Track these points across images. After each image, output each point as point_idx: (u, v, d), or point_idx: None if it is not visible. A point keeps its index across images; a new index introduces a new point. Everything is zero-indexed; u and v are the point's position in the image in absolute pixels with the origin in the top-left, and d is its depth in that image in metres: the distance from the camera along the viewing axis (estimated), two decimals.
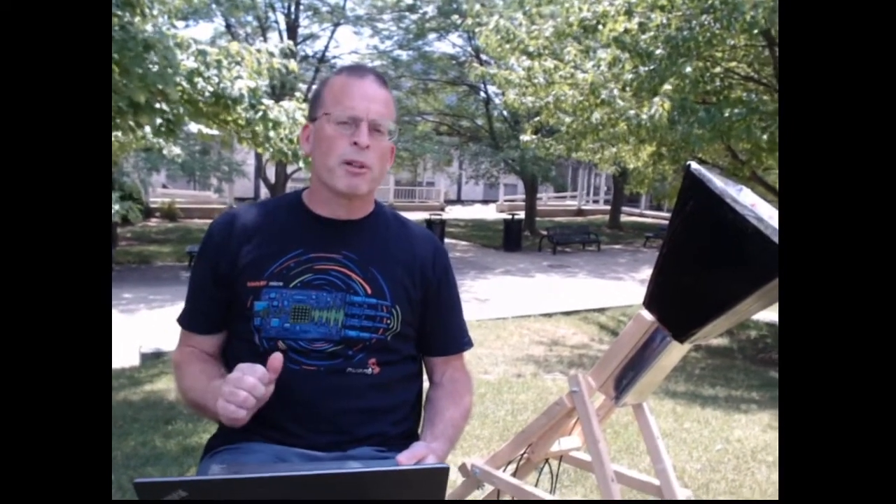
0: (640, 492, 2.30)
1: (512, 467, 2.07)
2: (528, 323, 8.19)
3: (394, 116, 1.29)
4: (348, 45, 46.85)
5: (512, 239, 16.82)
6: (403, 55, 19.97)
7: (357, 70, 1.28)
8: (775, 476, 3.36)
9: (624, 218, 23.12)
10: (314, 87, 1.41)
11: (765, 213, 1.61)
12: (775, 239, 1.53)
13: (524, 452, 2.02)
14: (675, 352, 1.82)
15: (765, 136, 5.38)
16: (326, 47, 19.59)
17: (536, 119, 8.25)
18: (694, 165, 1.70)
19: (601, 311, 9.28)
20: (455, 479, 2.21)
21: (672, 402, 4.80)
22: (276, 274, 1.25)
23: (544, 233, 17.72)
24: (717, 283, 1.66)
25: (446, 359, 1.40)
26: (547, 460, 2.11)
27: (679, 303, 1.76)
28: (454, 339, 1.41)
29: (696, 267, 1.71)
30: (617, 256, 16.35)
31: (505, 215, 18.73)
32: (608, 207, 24.23)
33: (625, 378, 1.85)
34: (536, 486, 2.10)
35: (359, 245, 1.29)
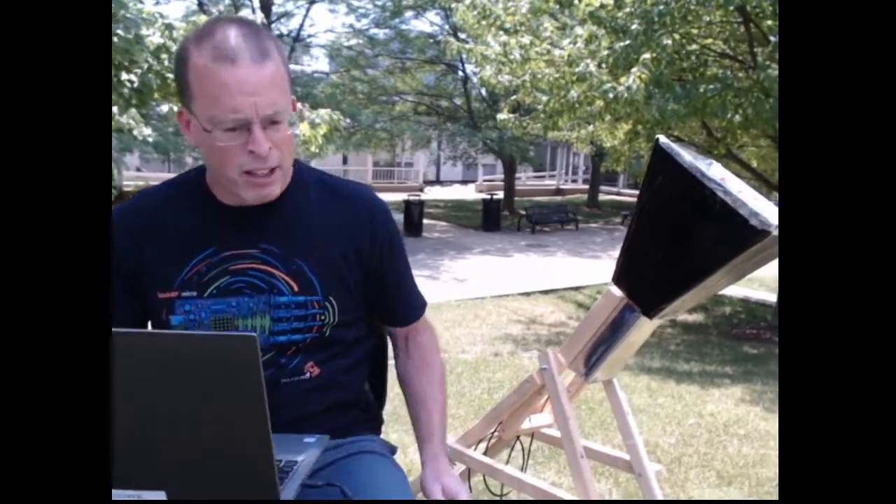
0: (612, 467, 2.31)
1: (483, 446, 2.07)
2: (506, 302, 8.21)
3: (287, 87, 1.04)
4: (323, 24, 46.22)
5: (491, 219, 16.80)
6: (380, 34, 19.69)
7: (224, 52, 0.98)
8: (746, 449, 3.42)
9: (602, 197, 23.20)
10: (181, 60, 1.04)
11: (734, 187, 1.60)
12: (743, 213, 1.52)
13: (495, 430, 2.01)
14: (645, 327, 1.82)
15: (738, 115, 5.40)
16: (301, 26, 19.26)
17: (514, 98, 8.19)
18: (663, 139, 1.68)
19: (578, 289, 9.33)
20: None
21: (647, 378, 4.85)
22: (187, 282, 1.10)
23: (523, 212, 17.72)
24: (684, 258, 1.65)
25: (406, 327, 1.31)
26: (518, 438, 2.11)
27: (647, 278, 1.75)
28: (410, 307, 1.30)
29: (664, 242, 1.70)
30: (594, 235, 16.42)
31: (484, 195, 18.68)
32: (587, 187, 24.30)
33: (594, 354, 1.85)
34: (508, 463, 2.10)
35: (279, 234, 1.12)
